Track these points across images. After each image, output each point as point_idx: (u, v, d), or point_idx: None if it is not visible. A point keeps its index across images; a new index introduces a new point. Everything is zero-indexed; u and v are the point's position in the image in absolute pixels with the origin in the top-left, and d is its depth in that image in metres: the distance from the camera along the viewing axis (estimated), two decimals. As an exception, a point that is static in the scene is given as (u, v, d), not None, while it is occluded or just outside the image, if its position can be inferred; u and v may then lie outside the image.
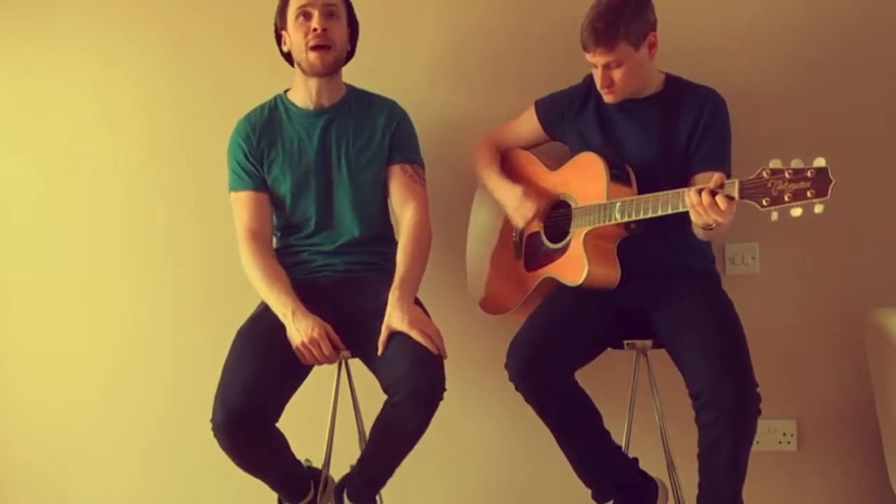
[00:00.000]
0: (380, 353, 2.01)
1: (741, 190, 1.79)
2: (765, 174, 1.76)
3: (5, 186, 2.81)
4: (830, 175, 1.68)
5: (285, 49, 2.25)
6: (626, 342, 2.16)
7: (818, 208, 1.70)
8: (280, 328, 2.07)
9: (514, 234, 2.36)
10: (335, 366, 2.20)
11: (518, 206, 2.24)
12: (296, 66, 2.24)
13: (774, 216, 1.75)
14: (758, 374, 1.93)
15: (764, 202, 1.75)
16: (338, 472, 2.24)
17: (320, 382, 2.18)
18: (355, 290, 2.19)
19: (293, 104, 2.27)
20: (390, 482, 2.13)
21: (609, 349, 2.16)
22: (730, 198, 1.81)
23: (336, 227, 2.25)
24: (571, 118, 2.26)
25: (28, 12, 2.77)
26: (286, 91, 2.30)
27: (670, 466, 2.20)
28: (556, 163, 2.29)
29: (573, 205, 2.19)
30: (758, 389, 1.91)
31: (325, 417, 2.23)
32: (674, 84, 2.20)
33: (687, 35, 2.42)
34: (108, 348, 2.77)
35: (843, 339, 2.42)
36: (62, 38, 2.76)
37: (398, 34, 2.60)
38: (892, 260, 2.40)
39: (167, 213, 2.72)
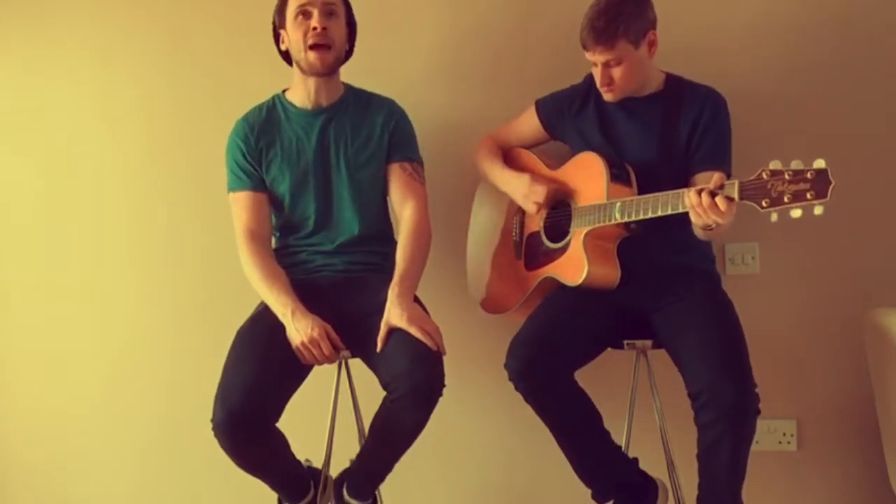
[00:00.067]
0: (379, 349, 2.02)
1: (741, 191, 1.79)
2: (764, 175, 1.76)
3: (5, 186, 2.81)
4: (830, 177, 1.68)
5: (283, 48, 2.25)
6: (626, 342, 2.16)
7: (818, 210, 1.70)
8: (280, 328, 2.07)
9: (514, 233, 2.36)
10: (335, 366, 2.20)
11: (528, 193, 2.23)
12: (294, 65, 2.24)
13: (774, 217, 1.75)
14: (758, 374, 1.93)
15: (764, 203, 1.75)
16: (338, 472, 2.23)
17: (320, 382, 2.18)
18: (355, 290, 2.19)
19: (291, 104, 2.27)
20: (390, 483, 2.14)
21: (609, 349, 2.16)
22: (729, 199, 1.81)
23: (335, 227, 2.25)
24: (572, 117, 2.26)
25: (28, 12, 2.77)
26: (284, 91, 2.30)
27: (670, 466, 2.20)
28: (556, 162, 2.29)
29: (573, 204, 2.19)
30: (757, 390, 1.91)
31: (325, 417, 2.23)
32: (674, 83, 2.20)
33: (687, 34, 2.42)
34: (108, 348, 2.77)
35: (843, 339, 2.41)
36: (62, 38, 2.76)
37: (397, 34, 2.60)
38: (892, 260, 2.40)
39: (167, 213, 2.72)
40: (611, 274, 2.12)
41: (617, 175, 2.10)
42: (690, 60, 2.33)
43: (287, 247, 2.28)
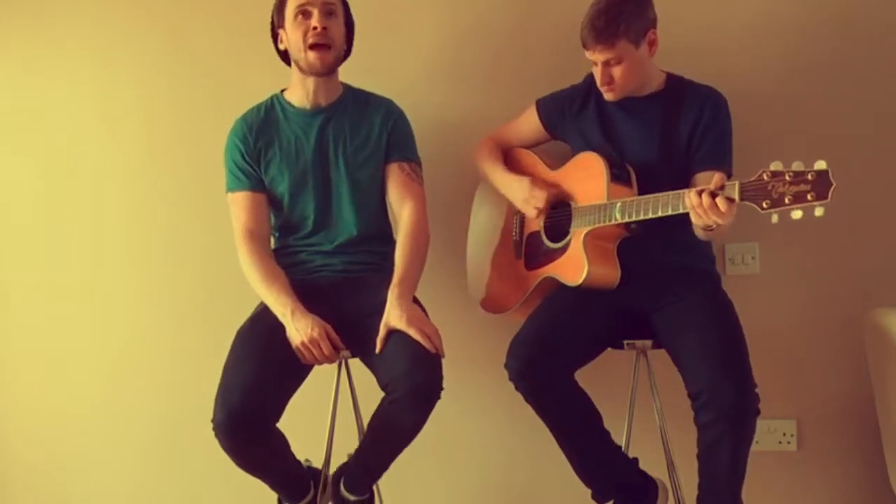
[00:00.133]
0: (378, 350, 2.02)
1: (741, 192, 1.79)
2: (765, 176, 1.75)
3: (5, 186, 2.81)
4: (831, 178, 1.68)
5: (282, 48, 2.25)
6: (626, 342, 2.16)
7: (818, 211, 1.70)
8: (280, 328, 2.06)
9: (514, 233, 2.36)
10: (335, 366, 2.20)
11: (528, 198, 2.23)
12: (293, 65, 2.24)
13: (775, 218, 1.75)
14: (758, 374, 1.93)
15: (764, 204, 1.75)
16: (338, 472, 2.24)
17: (320, 382, 2.18)
18: (354, 289, 2.19)
19: (290, 104, 2.26)
20: (390, 483, 2.14)
21: (609, 349, 2.16)
22: (730, 200, 1.81)
23: (334, 227, 2.24)
24: (572, 117, 2.26)
25: (28, 12, 2.77)
26: (282, 91, 2.30)
27: (670, 466, 2.20)
28: (557, 162, 2.29)
29: (573, 204, 2.19)
30: (757, 390, 1.91)
31: (325, 417, 2.23)
32: (675, 83, 2.20)
33: (687, 34, 2.42)
34: (108, 348, 2.77)
35: (843, 339, 2.41)
36: (62, 38, 2.76)
37: (397, 34, 2.60)
38: (892, 260, 2.40)
39: (167, 213, 2.72)
40: (611, 274, 2.12)
41: (617, 175, 2.10)
42: (690, 60, 2.33)
43: (286, 247, 2.28)
